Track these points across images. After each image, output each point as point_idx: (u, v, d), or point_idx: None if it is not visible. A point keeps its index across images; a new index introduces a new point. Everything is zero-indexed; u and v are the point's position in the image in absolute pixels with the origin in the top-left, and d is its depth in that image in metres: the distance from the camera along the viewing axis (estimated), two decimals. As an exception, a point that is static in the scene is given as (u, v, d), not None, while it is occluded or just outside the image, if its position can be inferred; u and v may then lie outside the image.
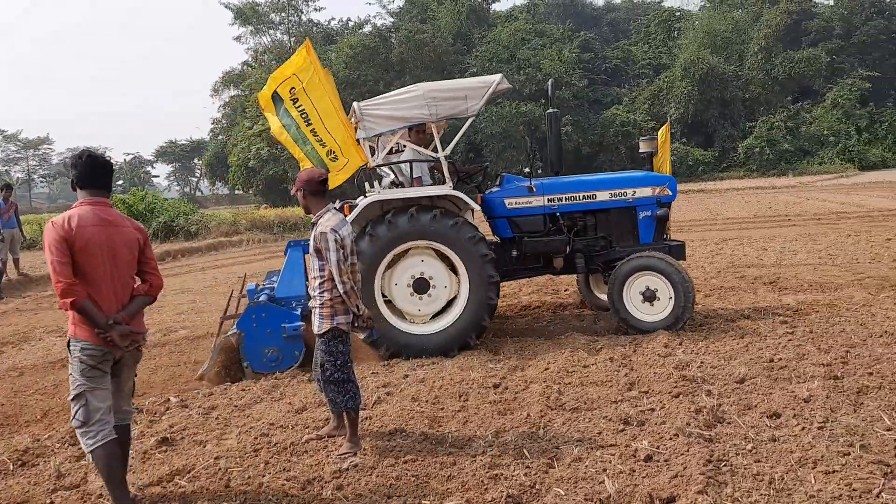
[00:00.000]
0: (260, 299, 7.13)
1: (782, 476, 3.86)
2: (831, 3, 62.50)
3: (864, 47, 58.93)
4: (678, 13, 66.27)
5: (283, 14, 59.72)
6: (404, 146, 7.65)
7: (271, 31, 60.91)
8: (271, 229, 26.60)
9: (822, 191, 31.75)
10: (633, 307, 7.31)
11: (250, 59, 63.67)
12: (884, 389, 5.11)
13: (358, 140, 7.16)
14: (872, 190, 29.56)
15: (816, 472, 3.86)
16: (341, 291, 4.62)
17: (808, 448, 4.17)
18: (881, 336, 6.48)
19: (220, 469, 4.55)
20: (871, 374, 5.46)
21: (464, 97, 7.11)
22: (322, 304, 4.71)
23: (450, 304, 7.22)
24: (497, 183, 8.16)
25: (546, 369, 6.29)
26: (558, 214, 7.79)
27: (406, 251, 7.16)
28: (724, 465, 4.03)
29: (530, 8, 69.15)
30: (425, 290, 7.20)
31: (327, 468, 4.44)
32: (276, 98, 7.19)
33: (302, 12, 61.35)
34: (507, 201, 7.81)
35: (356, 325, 4.80)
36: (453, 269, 7.21)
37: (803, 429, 4.47)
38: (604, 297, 8.43)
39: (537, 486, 4.01)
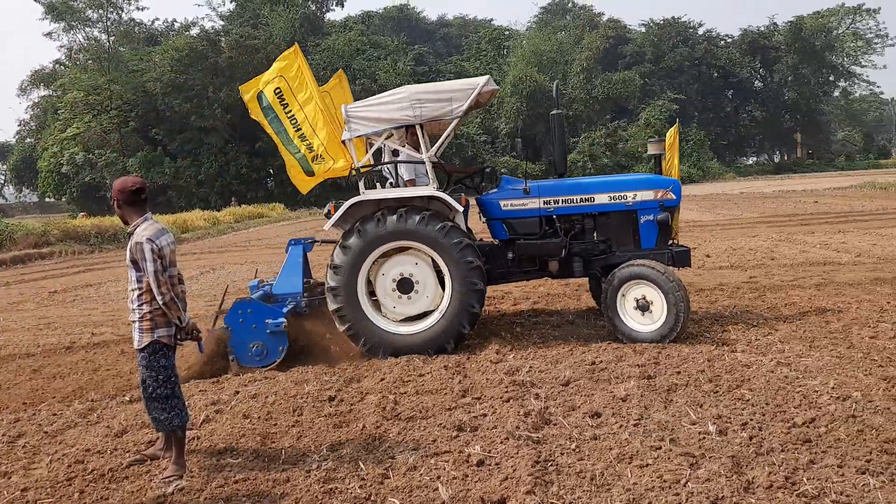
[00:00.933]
0: (254, 296, 7.48)
1: (602, 472, 4.10)
2: (643, 30, 68.82)
3: (671, 72, 65.61)
4: (507, 32, 69.38)
5: (101, 11, 55.78)
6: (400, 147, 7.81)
7: (87, 29, 56.73)
8: (87, 240, 24.78)
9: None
10: (627, 317, 7.05)
11: (63, 58, 59.17)
12: (690, 386, 5.57)
13: (343, 141, 7.32)
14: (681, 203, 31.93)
15: (632, 467, 4.14)
16: (160, 303, 4.39)
17: (625, 444, 4.46)
18: (686, 338, 7.07)
19: (27, 502, 4.19)
20: (678, 372, 5.94)
21: (448, 99, 7.12)
22: (141, 317, 4.46)
23: (427, 314, 7.23)
24: (495, 184, 8.10)
25: (382, 380, 6.29)
26: (555, 217, 7.65)
27: (405, 249, 7.23)
28: (551, 465, 4.23)
29: (365, 19, 69.57)
30: (408, 290, 7.23)
31: (150, 493, 4.19)
32: (261, 99, 7.51)
33: (122, 10, 57.75)
34: (502, 203, 7.73)
35: (179, 337, 4.57)
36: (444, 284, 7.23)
37: (621, 426, 4.78)
38: None
39: (373, 498, 4.00)
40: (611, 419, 4.94)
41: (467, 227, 7.51)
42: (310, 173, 7.55)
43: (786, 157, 77.66)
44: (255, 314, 7.03)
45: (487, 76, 7.19)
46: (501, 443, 4.56)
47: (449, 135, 7.65)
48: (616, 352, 6.69)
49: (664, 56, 66.29)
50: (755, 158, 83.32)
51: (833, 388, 5.30)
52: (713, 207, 27.57)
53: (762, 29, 70.61)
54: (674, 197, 7.50)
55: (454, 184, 8.32)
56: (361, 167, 7.36)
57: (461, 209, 7.14)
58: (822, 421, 4.70)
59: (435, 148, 7.42)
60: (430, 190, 7.23)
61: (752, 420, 4.78)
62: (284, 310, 7.23)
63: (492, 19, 78.51)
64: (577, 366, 6.30)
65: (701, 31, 69.59)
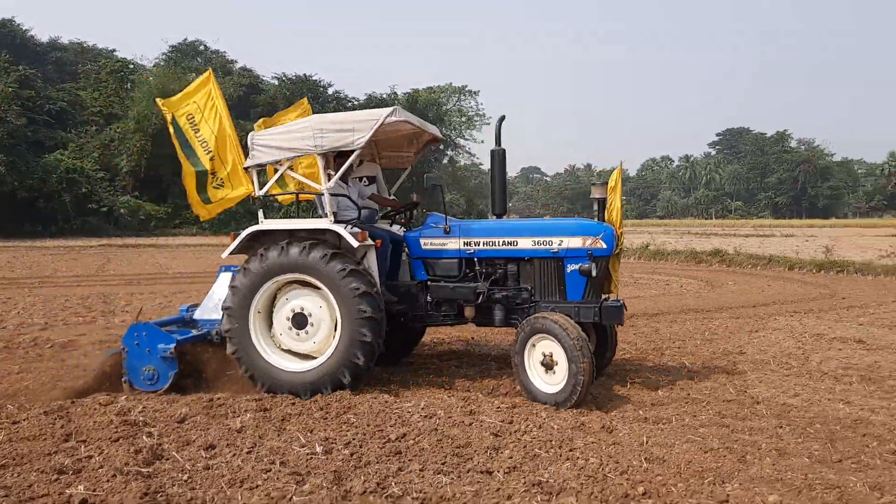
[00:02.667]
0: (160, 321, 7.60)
1: (213, 497, 4.24)
2: (276, 82, 70.50)
3: None
4: (131, 65, 65.49)
5: None
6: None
7: None
8: None
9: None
10: (533, 374, 6.57)
11: None
12: (303, 415, 5.99)
13: (246, 169, 7.34)
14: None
15: (243, 490, 4.35)
16: None
17: (238, 470, 4.66)
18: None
19: None
20: (293, 403, 6.37)
21: (351, 129, 6.89)
22: None
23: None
24: (423, 221, 7.64)
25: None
26: (475, 260, 7.22)
27: (304, 284, 6.96)
28: (161, 496, 4.23)
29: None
30: (301, 326, 6.98)
31: None
32: (175, 125, 7.86)
33: None
34: (422, 241, 7.40)
35: None
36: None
37: (234, 455, 4.97)
38: None
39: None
40: (225, 450, 5.09)
41: (391, 266, 7.46)
42: (206, 200, 7.70)
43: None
44: (150, 338, 7.05)
45: (394, 108, 6.90)
46: (108, 481, 4.41)
47: (350, 166, 7.34)
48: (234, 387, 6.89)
49: (295, 110, 68.39)
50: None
51: (423, 407, 6.15)
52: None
53: (384, 96, 76.98)
54: (604, 246, 6.86)
55: (383, 218, 8.10)
56: (263, 195, 7.34)
57: (355, 244, 6.81)
58: (412, 435, 5.45)
59: (333, 180, 7.15)
60: (325, 223, 7.01)
61: (354, 439, 5.33)
62: (185, 336, 7.31)
63: (114, 50, 73.50)
64: (195, 403, 6.29)
65: (331, 90, 73.47)
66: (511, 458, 4.95)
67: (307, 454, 4.98)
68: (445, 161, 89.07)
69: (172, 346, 7.02)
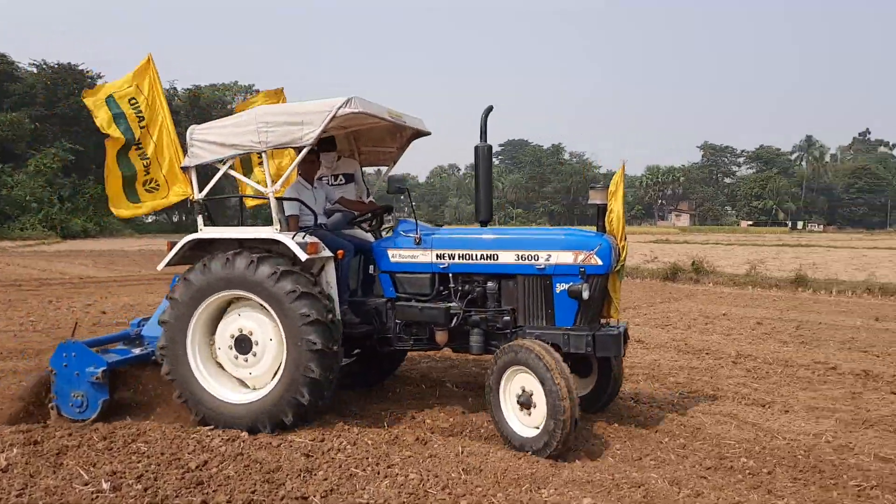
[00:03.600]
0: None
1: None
2: (35, 70, 64.81)
3: (67, 120, 61.80)
4: None
5: None
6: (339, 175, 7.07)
7: None
8: None
9: (25, 257, 32.40)
10: (508, 412, 5.56)
11: None
12: (82, 447, 5.24)
13: (184, 169, 6.44)
14: (75, 258, 31.12)
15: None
16: None
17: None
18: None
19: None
20: (70, 434, 5.52)
21: (300, 122, 5.86)
22: None
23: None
24: (392, 227, 6.71)
25: None
26: (450, 276, 6.21)
27: (245, 301, 6.05)
28: None
29: None
30: (245, 351, 6.02)
31: None
32: (111, 104, 6.78)
33: None
34: (390, 253, 6.38)
35: None
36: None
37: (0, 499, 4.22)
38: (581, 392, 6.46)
39: None
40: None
41: (362, 280, 6.61)
42: (134, 200, 6.72)
43: (184, 218, 78.12)
44: (79, 359, 6.22)
45: (350, 97, 5.74)
46: None
47: (294, 168, 6.34)
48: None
49: (59, 102, 61.78)
50: (155, 217, 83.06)
51: (223, 430, 5.71)
52: (110, 263, 27.78)
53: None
54: (599, 262, 5.69)
55: (351, 225, 7.07)
56: (201, 199, 6.37)
57: (304, 257, 5.83)
58: (214, 462, 4.96)
59: (279, 183, 6.26)
60: (269, 231, 6.05)
61: (147, 471, 4.73)
62: (122, 356, 6.51)
63: None
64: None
65: (100, 82, 64.62)
66: (326, 479, 4.68)
67: (91, 493, 4.36)
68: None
69: (102, 369, 6.17)
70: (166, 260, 6.38)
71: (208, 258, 6.08)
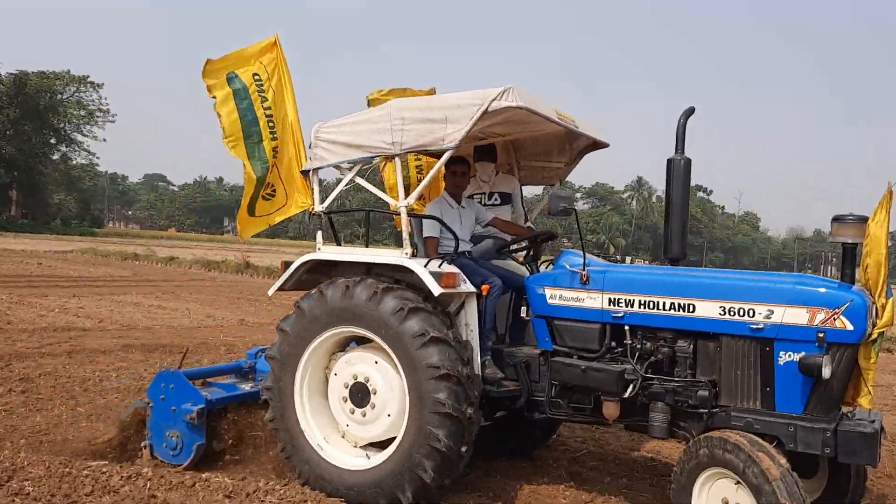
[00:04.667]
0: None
1: None
2: None
3: None
4: None
5: None
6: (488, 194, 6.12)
7: None
8: None
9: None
10: None
11: None
12: None
13: (304, 174, 5.44)
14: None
15: None
16: None
17: None
18: None
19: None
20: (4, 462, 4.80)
21: (442, 119, 4.75)
22: None
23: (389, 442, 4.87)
24: (552, 260, 5.52)
25: None
26: (626, 329, 4.74)
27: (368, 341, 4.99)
28: None
29: None
30: (362, 402, 4.93)
31: None
32: (232, 81, 5.44)
33: None
34: (548, 293, 4.99)
35: None
36: None
37: None
38: None
39: None
40: None
41: (512, 324, 5.45)
42: (251, 212, 5.62)
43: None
44: (177, 393, 5.38)
45: (508, 86, 4.53)
46: None
47: (431, 178, 5.21)
48: None
49: None
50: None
51: (121, 467, 4.95)
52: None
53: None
54: (849, 327, 4.03)
55: (502, 254, 5.86)
56: (325, 212, 5.40)
57: (437, 291, 4.65)
58: None
59: (414, 196, 5.15)
60: (397, 256, 4.91)
61: None
62: (227, 394, 5.64)
63: None
64: None
65: None
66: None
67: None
68: (57, 157, 78.30)
69: (199, 407, 5.26)
70: (279, 283, 5.37)
71: (325, 284, 4.98)
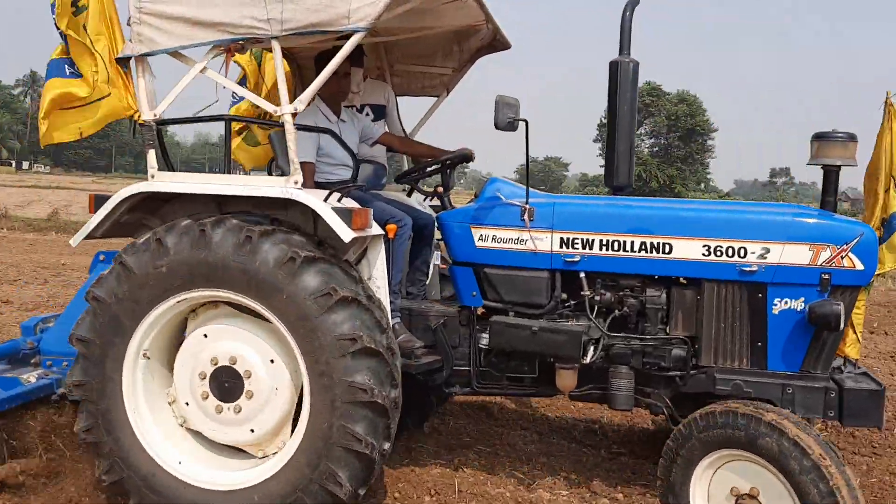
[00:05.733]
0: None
1: None
2: None
3: None
4: None
5: None
6: None
7: None
8: None
9: None
10: None
11: None
12: None
13: (120, 61, 3.82)
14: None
15: None
16: None
17: None
18: None
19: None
20: None
21: None
22: None
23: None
24: (474, 192, 4.34)
25: None
26: (582, 276, 3.73)
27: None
28: None
29: None
30: (231, 393, 3.46)
31: None
32: None
33: None
34: (476, 232, 3.86)
35: None
36: None
37: None
38: None
39: None
40: None
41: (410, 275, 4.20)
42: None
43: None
44: None
45: None
46: None
47: (329, 73, 3.57)
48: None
49: None
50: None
51: None
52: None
53: None
54: (859, 266, 3.40)
55: (400, 181, 4.64)
56: (159, 119, 3.70)
57: (349, 236, 3.31)
58: None
59: (304, 97, 3.53)
60: (284, 185, 3.47)
61: None
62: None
63: None
64: None
65: None
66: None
67: None
68: None
69: None
70: (89, 226, 3.68)
71: (165, 228, 3.46)
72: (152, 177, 3.59)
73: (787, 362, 3.52)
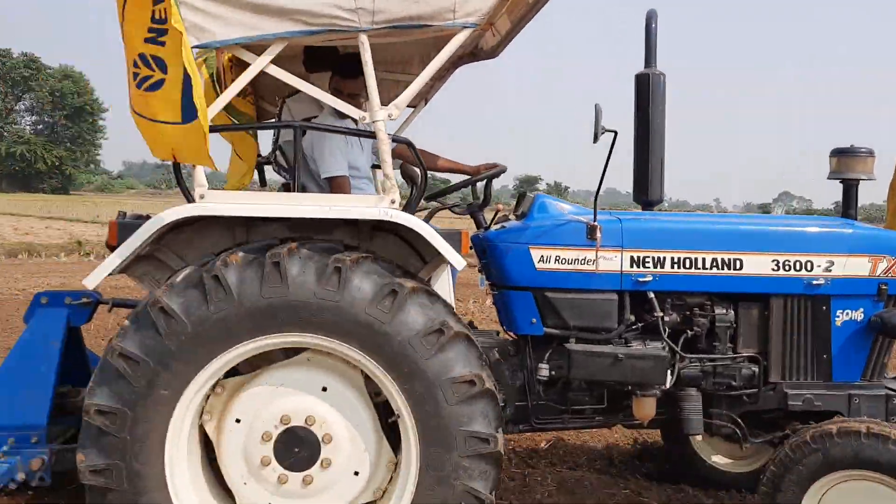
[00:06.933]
0: None
1: None
2: None
3: None
4: None
5: None
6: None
7: None
8: None
9: None
10: None
11: None
12: None
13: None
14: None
15: None
16: None
17: None
18: None
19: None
20: None
21: None
22: None
23: None
24: (519, 210, 3.76)
25: None
26: (652, 296, 3.40)
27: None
28: None
29: None
30: (305, 462, 2.83)
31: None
32: None
33: None
34: (536, 253, 3.31)
35: None
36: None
37: None
38: (724, 462, 4.43)
39: None
40: None
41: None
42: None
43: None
44: None
45: None
46: None
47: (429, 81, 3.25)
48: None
49: None
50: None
51: None
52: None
53: None
54: None
55: (430, 198, 3.99)
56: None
57: (461, 265, 3.02)
58: None
59: (405, 97, 3.10)
60: (372, 205, 3.01)
61: None
62: None
63: None
64: None
65: None
66: None
67: None
68: None
69: None
70: (112, 264, 2.87)
71: (222, 263, 2.79)
72: (201, 197, 2.85)
73: (850, 372, 3.60)
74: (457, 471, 2.77)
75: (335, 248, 2.85)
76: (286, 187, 3.88)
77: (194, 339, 2.70)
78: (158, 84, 2.65)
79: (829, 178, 3.91)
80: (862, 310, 3.55)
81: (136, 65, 2.65)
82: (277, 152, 4.20)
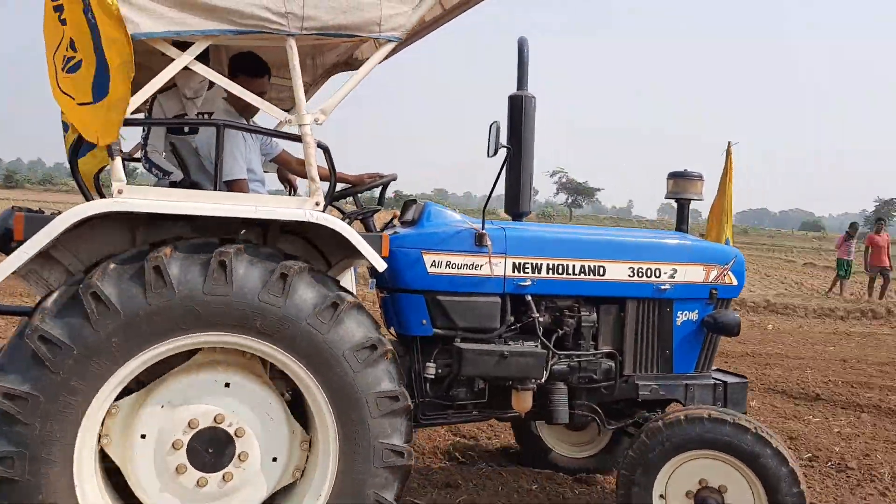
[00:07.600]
0: None
1: None
2: None
3: None
4: None
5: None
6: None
7: None
8: None
9: None
10: None
11: None
12: None
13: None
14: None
15: None
16: None
17: None
18: None
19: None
20: None
21: None
22: None
23: None
24: (407, 217, 3.92)
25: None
26: (529, 300, 3.63)
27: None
28: None
29: None
30: (219, 461, 2.85)
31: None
32: None
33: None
34: (428, 258, 3.49)
35: None
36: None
37: None
38: (567, 450, 4.92)
39: None
40: None
41: None
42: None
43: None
44: None
45: None
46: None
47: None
48: None
49: None
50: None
51: None
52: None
53: None
54: (735, 282, 4.16)
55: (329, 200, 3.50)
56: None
57: (382, 267, 3.10)
58: None
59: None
60: (297, 207, 3.00)
61: None
62: None
63: None
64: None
65: None
66: None
67: None
68: None
69: None
70: (20, 259, 2.64)
71: (165, 255, 2.73)
72: (119, 192, 2.69)
73: (687, 365, 4.16)
74: (372, 481, 2.93)
75: (267, 252, 2.87)
76: (174, 186, 3.71)
77: (125, 329, 2.60)
78: (77, 66, 2.55)
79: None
80: (697, 311, 4.13)
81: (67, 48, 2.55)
82: (165, 149, 4.00)
